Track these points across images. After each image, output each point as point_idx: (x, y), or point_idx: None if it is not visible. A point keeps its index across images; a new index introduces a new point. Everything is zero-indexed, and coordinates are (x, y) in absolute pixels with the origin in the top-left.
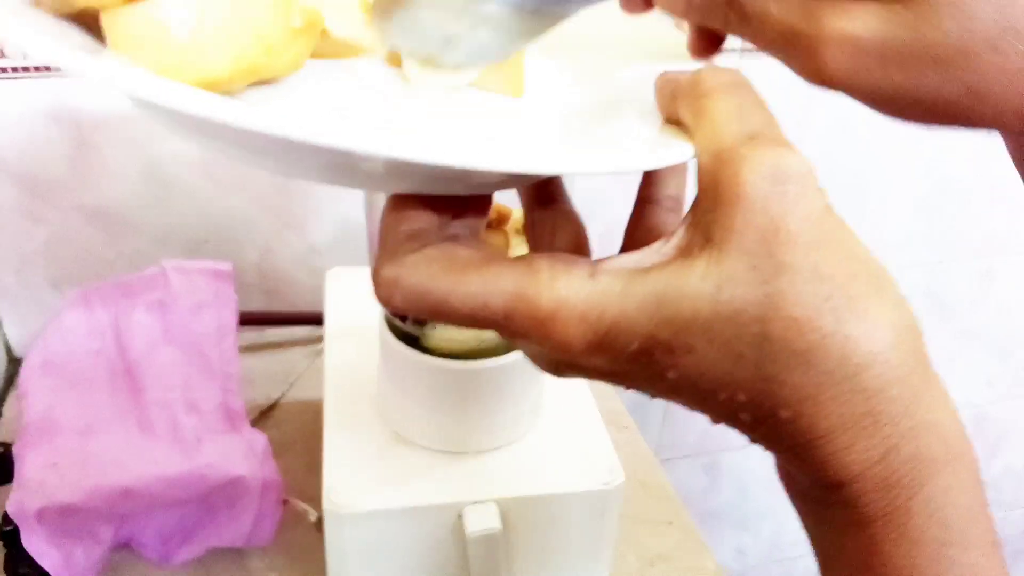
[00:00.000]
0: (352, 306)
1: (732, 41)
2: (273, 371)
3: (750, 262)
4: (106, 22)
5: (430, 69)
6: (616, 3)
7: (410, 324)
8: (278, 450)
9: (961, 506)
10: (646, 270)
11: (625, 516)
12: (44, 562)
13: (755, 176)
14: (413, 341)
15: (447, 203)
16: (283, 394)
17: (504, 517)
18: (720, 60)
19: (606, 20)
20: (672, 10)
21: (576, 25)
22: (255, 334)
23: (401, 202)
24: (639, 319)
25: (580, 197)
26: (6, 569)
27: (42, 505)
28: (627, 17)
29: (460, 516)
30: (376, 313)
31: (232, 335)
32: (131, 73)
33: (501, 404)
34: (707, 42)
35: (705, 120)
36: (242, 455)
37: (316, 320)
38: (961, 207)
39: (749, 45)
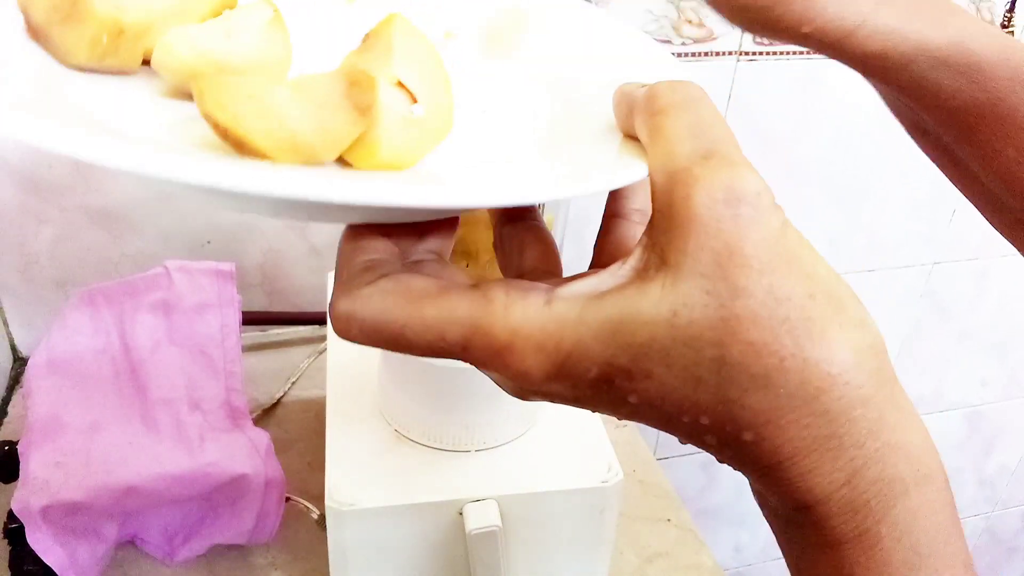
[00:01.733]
0: None
1: (729, 44)
2: (276, 370)
3: (705, 286)
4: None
5: None
6: (579, 20)
7: None
8: (280, 448)
9: (931, 528)
10: (602, 295)
11: (624, 514)
12: (49, 559)
13: (708, 198)
14: None
15: (408, 229)
16: (285, 393)
17: (504, 514)
18: (719, 63)
19: (571, 34)
20: None
21: (541, 38)
22: (258, 333)
23: (357, 231)
24: (595, 346)
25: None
26: (11, 566)
27: (47, 503)
28: (594, 32)
29: (461, 513)
30: None
31: (235, 334)
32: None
33: (501, 403)
34: None
35: (659, 138)
36: (245, 453)
37: (318, 320)
38: (958, 208)
39: (747, 48)
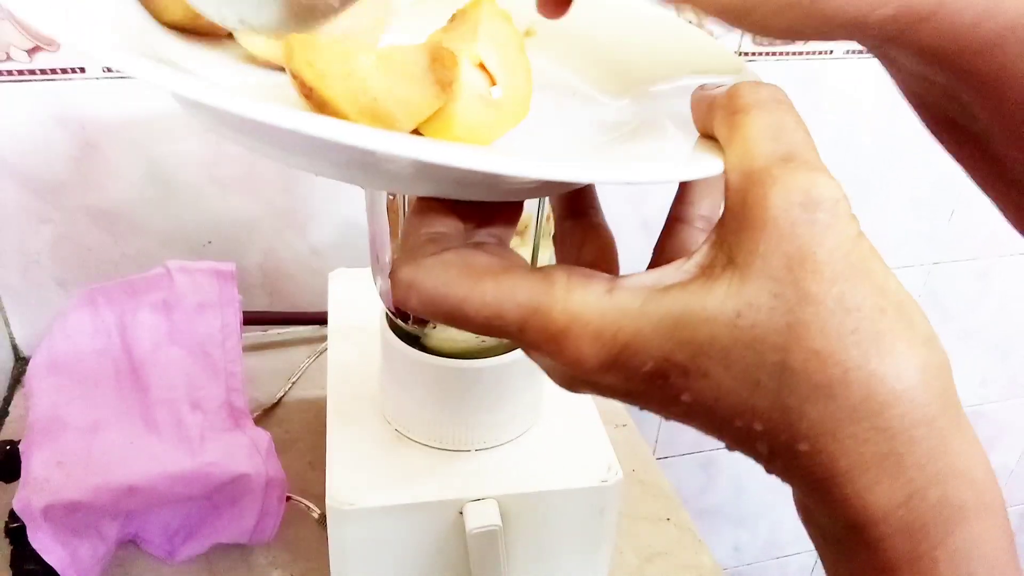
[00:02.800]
0: (354, 306)
1: (729, 45)
2: (276, 370)
3: (773, 289)
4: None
5: (247, 31)
6: (666, 16)
7: (411, 324)
8: (281, 448)
9: (989, 558)
10: (665, 288)
11: (623, 513)
12: (50, 559)
13: (785, 201)
14: (414, 341)
15: (474, 210)
16: (286, 392)
17: (504, 514)
18: None
19: (648, 31)
20: None
21: (618, 35)
22: (258, 333)
23: (426, 205)
24: (654, 339)
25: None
26: (13, 566)
27: (48, 502)
28: (670, 29)
29: (461, 513)
30: (378, 313)
31: (236, 334)
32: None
33: (501, 403)
34: (554, 2)
35: (738, 137)
36: (246, 453)
37: (319, 320)
38: (958, 208)
39: (747, 48)
